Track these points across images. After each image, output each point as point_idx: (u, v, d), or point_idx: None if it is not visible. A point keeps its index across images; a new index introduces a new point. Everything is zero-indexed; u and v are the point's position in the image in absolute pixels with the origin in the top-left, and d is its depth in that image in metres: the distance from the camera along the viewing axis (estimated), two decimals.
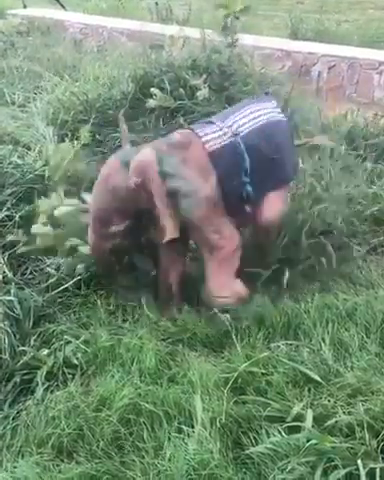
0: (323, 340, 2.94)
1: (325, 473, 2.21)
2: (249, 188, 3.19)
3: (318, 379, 2.70)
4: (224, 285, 3.22)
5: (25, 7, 10.63)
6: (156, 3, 9.86)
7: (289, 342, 2.93)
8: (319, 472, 2.20)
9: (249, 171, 3.16)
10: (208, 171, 3.11)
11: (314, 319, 3.08)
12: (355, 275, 3.58)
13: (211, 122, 3.30)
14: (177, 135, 3.27)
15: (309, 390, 2.66)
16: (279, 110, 3.40)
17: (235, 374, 2.70)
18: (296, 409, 2.49)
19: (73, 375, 2.82)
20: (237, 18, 5.26)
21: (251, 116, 3.26)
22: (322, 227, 3.72)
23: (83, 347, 2.94)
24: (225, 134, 3.18)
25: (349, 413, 2.48)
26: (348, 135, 4.73)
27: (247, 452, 2.37)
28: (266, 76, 5.82)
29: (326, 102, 6.32)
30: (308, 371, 2.73)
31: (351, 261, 3.68)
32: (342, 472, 2.18)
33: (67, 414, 2.55)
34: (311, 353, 2.87)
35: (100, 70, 6.06)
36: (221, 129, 3.20)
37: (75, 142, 4.50)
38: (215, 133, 3.18)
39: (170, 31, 7.09)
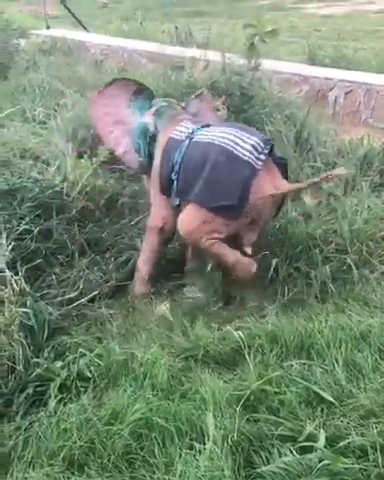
0: (336, 360, 2.93)
1: None
2: (175, 184, 3.63)
3: (331, 399, 2.69)
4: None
5: (48, 28, 10.86)
6: (176, 27, 10.04)
7: (302, 361, 2.92)
8: None
9: (177, 170, 3.60)
10: (161, 150, 3.74)
11: (328, 339, 3.07)
12: (369, 297, 3.58)
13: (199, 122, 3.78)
14: (172, 111, 3.94)
15: (322, 410, 2.65)
16: (240, 143, 3.42)
17: (248, 392, 2.70)
18: (309, 429, 2.49)
19: (86, 388, 2.83)
20: (264, 41, 5.35)
21: (216, 133, 3.53)
22: (338, 247, 3.74)
23: (96, 360, 2.95)
24: (188, 133, 3.66)
25: (362, 434, 2.47)
26: (364, 159, 4.76)
27: (258, 471, 2.36)
28: (283, 100, 5.88)
29: (342, 126, 6.37)
30: (321, 391, 2.72)
31: (365, 283, 3.68)
32: None
33: (79, 427, 2.55)
34: (324, 373, 2.86)
35: None
36: (192, 129, 3.68)
37: (94, 159, 4.56)
38: (187, 128, 3.70)
39: (190, 54, 7.23)
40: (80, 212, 4.24)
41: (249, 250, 3.53)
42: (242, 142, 3.41)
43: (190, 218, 3.51)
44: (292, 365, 2.91)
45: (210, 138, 3.52)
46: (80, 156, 4.84)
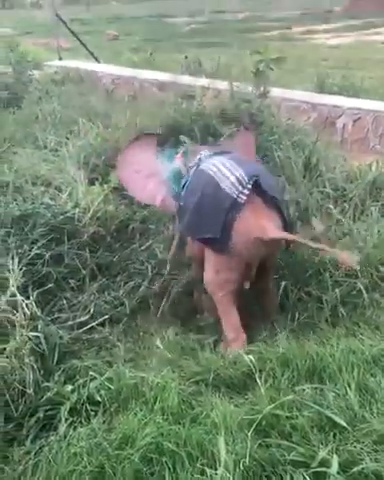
0: (348, 385, 2.90)
1: None
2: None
3: (344, 424, 2.66)
4: None
5: (60, 59, 11.09)
6: (185, 56, 10.21)
7: (314, 385, 2.90)
8: None
9: (182, 197, 3.70)
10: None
11: (339, 363, 3.04)
12: (380, 321, 3.56)
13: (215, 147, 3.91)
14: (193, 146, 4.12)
15: (335, 435, 2.62)
16: (227, 174, 3.37)
17: (259, 416, 2.67)
18: (322, 454, 2.45)
19: (96, 412, 2.81)
20: (270, 68, 5.44)
21: (214, 161, 3.55)
22: (347, 272, 3.74)
23: (107, 384, 2.94)
24: (197, 160, 3.75)
25: (376, 460, 2.43)
26: (373, 184, 4.78)
27: None
28: (292, 127, 5.94)
29: (351, 153, 6.40)
30: (334, 416, 2.69)
31: (376, 307, 3.66)
32: None
33: (89, 451, 2.53)
34: (337, 397, 2.83)
35: (131, 118, 6.23)
36: (202, 156, 3.76)
37: (105, 186, 4.62)
38: (199, 156, 3.78)
39: (199, 83, 7.35)
40: (91, 237, 4.28)
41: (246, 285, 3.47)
42: (229, 173, 3.34)
43: (207, 267, 3.51)
44: (304, 389, 2.89)
45: (207, 166, 3.53)
46: (91, 183, 4.91)
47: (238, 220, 3.25)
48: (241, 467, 2.42)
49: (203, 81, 7.58)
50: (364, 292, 3.64)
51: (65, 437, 2.63)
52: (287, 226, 3.45)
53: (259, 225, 3.23)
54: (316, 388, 2.90)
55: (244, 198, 3.26)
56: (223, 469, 2.40)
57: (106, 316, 3.68)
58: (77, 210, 4.36)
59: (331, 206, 4.49)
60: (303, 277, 3.79)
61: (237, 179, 3.30)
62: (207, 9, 33.61)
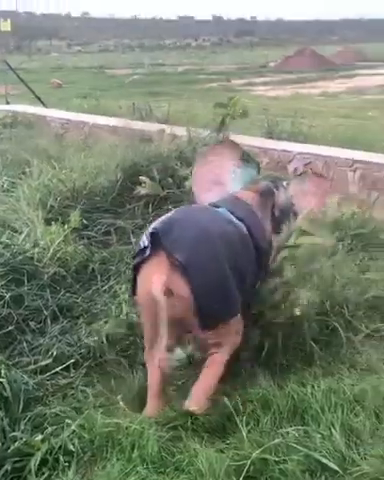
0: (333, 425, 2.80)
1: None
2: None
3: (335, 468, 2.54)
4: None
5: (8, 103, 10.97)
6: (133, 103, 10.31)
7: (299, 427, 2.78)
8: None
9: None
10: None
11: (321, 404, 2.94)
12: (355, 360, 3.51)
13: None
14: None
15: (326, 479, 2.50)
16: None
17: (247, 462, 2.52)
18: None
19: (69, 463, 2.58)
20: (234, 118, 5.53)
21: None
22: (319, 310, 3.70)
23: (79, 432, 2.72)
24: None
25: None
26: (334, 226, 4.83)
27: None
28: None
29: None
30: (324, 459, 2.58)
31: (349, 346, 3.62)
32: None
33: None
34: (322, 439, 2.72)
35: (86, 160, 6.16)
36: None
37: (65, 225, 4.48)
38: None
39: (152, 128, 7.39)
40: (52, 278, 4.10)
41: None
42: (155, 223, 3.10)
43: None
44: (288, 432, 2.76)
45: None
46: (48, 224, 4.75)
47: (141, 272, 2.98)
48: None
49: (156, 126, 7.62)
50: (340, 330, 3.59)
51: None
52: (195, 290, 2.85)
53: (149, 280, 2.87)
54: (300, 430, 2.78)
55: (148, 252, 2.94)
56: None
57: (71, 360, 3.45)
58: (36, 250, 4.19)
59: None
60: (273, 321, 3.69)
61: (149, 231, 3.03)
62: (147, 62, 34.51)
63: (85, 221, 5.07)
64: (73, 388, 3.31)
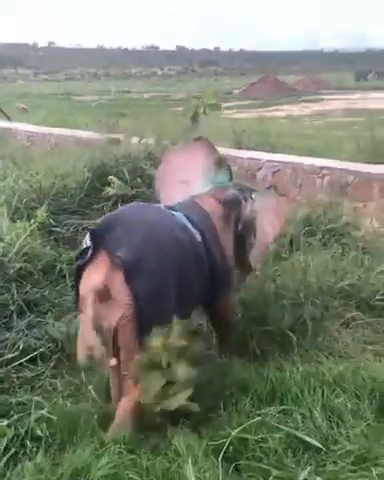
0: (314, 407, 2.70)
1: None
2: None
3: (319, 445, 2.44)
4: None
5: None
6: (100, 120, 10.24)
7: (280, 407, 2.67)
8: None
9: None
10: None
11: (301, 386, 2.84)
12: (332, 347, 3.43)
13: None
14: None
15: (310, 457, 2.39)
16: None
17: (226, 441, 2.39)
18: (302, 476, 2.21)
19: (37, 448, 2.42)
20: (205, 112, 5.46)
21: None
22: (295, 300, 3.63)
23: (48, 416, 2.56)
24: None
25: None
26: (306, 222, 4.81)
27: None
28: None
29: None
30: (307, 437, 2.47)
31: (326, 334, 3.54)
32: None
33: None
34: (304, 419, 2.62)
35: (53, 163, 6.04)
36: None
37: (31, 220, 4.35)
38: None
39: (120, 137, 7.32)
40: (18, 273, 3.94)
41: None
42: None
43: None
44: (268, 412, 2.64)
45: None
46: (14, 221, 4.61)
47: (83, 274, 2.67)
48: None
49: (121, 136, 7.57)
50: (319, 318, 3.53)
51: (4, 476, 2.21)
52: (137, 293, 2.57)
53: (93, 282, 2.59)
54: (282, 411, 2.67)
55: (89, 253, 2.64)
56: None
57: (38, 351, 3.30)
58: (1, 244, 4.03)
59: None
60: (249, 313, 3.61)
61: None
62: (113, 89, 34.70)
63: (53, 222, 4.94)
64: (41, 380, 3.15)
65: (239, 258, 3.27)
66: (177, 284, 2.69)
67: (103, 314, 2.54)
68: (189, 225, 2.97)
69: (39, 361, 3.31)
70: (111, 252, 2.59)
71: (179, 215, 3.01)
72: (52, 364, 3.30)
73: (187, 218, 3.00)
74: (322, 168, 6.93)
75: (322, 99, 27.93)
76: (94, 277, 2.58)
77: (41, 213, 4.44)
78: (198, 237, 2.96)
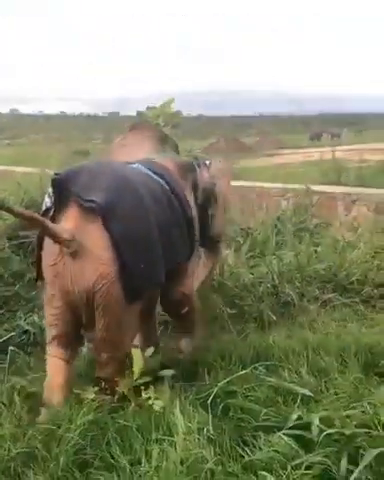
0: (300, 365, 2.64)
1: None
2: None
3: (308, 393, 2.35)
4: None
5: None
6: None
7: (266, 363, 2.59)
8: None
9: None
10: None
11: (285, 350, 2.78)
12: (312, 325, 3.38)
13: None
14: None
15: (301, 403, 2.30)
16: None
17: (213, 391, 2.28)
18: (295, 415, 2.12)
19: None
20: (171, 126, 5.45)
21: None
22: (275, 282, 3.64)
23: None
24: None
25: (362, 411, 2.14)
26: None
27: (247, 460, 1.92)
28: None
29: None
30: (296, 387, 2.38)
31: (306, 314, 3.51)
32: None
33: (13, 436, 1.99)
34: (290, 375, 2.54)
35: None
36: None
37: None
38: None
39: None
40: None
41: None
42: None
43: None
44: (256, 367, 2.55)
45: None
46: None
47: (45, 244, 2.34)
48: (205, 434, 2.01)
49: None
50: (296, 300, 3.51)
51: None
52: (117, 242, 2.26)
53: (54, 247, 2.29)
54: (267, 367, 2.58)
55: (49, 203, 2.35)
56: (183, 436, 1.97)
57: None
58: None
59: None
60: (233, 293, 3.58)
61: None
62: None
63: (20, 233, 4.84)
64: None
65: (204, 232, 3.00)
66: (160, 235, 2.42)
67: (74, 275, 2.22)
68: (152, 174, 2.72)
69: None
70: (80, 197, 2.24)
71: (140, 167, 2.75)
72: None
73: (148, 169, 2.75)
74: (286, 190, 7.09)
75: (281, 153, 28.72)
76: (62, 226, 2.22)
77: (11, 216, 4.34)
78: (166, 186, 2.72)
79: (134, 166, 2.74)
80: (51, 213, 2.30)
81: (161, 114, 5.39)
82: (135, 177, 2.54)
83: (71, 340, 2.38)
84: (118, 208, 2.29)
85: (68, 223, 2.23)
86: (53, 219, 2.27)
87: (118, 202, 2.30)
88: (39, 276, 2.44)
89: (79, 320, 2.32)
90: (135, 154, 2.96)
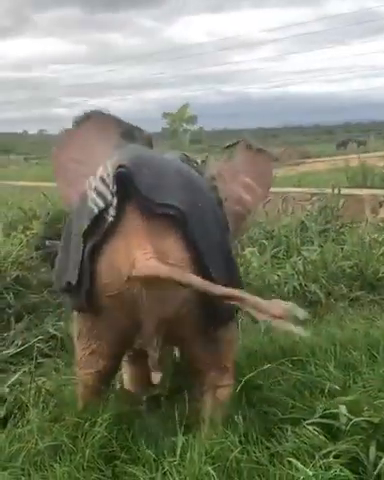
0: (327, 360, 2.60)
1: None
2: None
3: (335, 387, 2.32)
4: None
5: None
6: None
7: (292, 358, 2.56)
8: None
9: None
10: None
11: (311, 347, 2.75)
12: (340, 323, 3.34)
13: None
14: None
15: (328, 397, 2.26)
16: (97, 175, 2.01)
17: (239, 386, 2.27)
18: (323, 406, 2.10)
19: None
20: (184, 129, 5.56)
21: None
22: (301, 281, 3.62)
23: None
24: None
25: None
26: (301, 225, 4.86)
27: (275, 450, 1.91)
28: None
29: None
30: (323, 380, 2.35)
31: (334, 312, 3.49)
32: None
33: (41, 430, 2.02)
34: (318, 370, 2.51)
35: None
36: None
37: (28, 232, 4.39)
38: None
39: None
40: (15, 280, 3.91)
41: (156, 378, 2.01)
42: (101, 172, 1.96)
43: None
44: (283, 362, 2.53)
45: None
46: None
47: (103, 251, 1.92)
48: (231, 424, 2.00)
49: None
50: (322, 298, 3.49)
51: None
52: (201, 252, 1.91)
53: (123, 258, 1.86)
54: (293, 363, 2.55)
55: (112, 213, 1.88)
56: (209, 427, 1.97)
57: (30, 343, 3.22)
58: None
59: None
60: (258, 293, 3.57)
61: (102, 179, 1.93)
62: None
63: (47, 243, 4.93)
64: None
65: None
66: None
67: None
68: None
69: (38, 357, 3.18)
70: (150, 200, 1.83)
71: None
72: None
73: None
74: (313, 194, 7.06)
75: (307, 162, 28.57)
76: (134, 244, 1.81)
77: (37, 226, 4.45)
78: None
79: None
80: (110, 216, 1.87)
81: (178, 120, 5.52)
82: (193, 176, 2.18)
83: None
84: (195, 215, 1.91)
85: (139, 233, 1.83)
86: (112, 224, 1.88)
87: (193, 208, 1.92)
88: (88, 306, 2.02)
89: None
90: (91, 148, 2.34)
